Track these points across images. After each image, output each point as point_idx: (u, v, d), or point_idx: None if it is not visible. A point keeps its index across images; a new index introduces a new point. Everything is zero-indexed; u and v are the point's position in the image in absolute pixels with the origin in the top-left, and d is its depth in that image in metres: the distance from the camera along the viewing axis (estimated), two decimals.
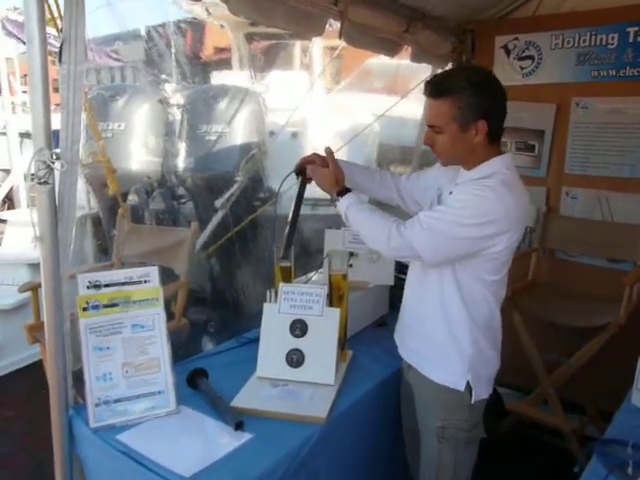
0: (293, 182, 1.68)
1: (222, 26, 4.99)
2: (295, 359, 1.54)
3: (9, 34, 6.41)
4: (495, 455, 1.83)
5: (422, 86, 1.42)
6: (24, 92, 7.32)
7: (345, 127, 4.03)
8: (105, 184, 3.12)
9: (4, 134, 6.56)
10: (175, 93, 4.49)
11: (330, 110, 4.49)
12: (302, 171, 1.66)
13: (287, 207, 1.65)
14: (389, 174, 1.75)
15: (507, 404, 2.45)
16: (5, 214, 5.04)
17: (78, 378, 1.39)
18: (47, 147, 1.24)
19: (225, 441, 1.30)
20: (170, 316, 2.11)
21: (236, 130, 3.79)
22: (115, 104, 3.99)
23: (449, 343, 1.45)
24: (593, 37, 2.51)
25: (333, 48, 4.51)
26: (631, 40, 2.42)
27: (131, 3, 5.64)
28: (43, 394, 1.45)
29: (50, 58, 1.24)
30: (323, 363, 1.54)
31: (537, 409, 2.44)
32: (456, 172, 1.47)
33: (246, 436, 1.32)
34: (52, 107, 1.26)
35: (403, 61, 2.95)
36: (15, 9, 6.64)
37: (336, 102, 4.66)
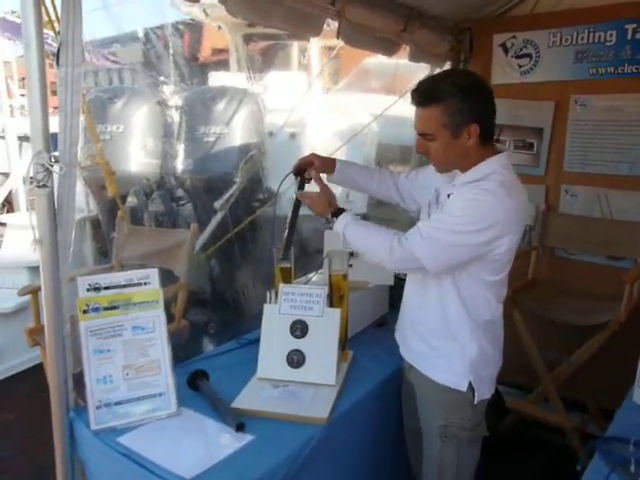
0: (292, 183, 1.68)
1: (220, 27, 4.99)
2: (296, 360, 1.54)
3: (3, 34, 6.43)
4: (497, 453, 1.83)
5: None
6: (22, 95, 7.32)
7: (344, 127, 4.03)
8: (104, 186, 3.12)
9: (2, 137, 6.56)
10: (173, 95, 4.49)
11: (328, 110, 4.49)
12: (301, 172, 1.66)
13: (286, 208, 1.65)
14: (388, 173, 1.75)
15: (508, 402, 2.45)
16: (4, 217, 5.04)
17: (79, 381, 1.39)
18: (45, 150, 1.24)
19: (226, 442, 1.30)
20: (170, 318, 2.11)
21: (235, 131, 3.80)
22: (113, 106, 3.99)
23: (450, 344, 1.44)
24: (591, 34, 2.51)
25: (331, 48, 4.50)
26: (629, 37, 2.41)
27: (128, 5, 5.65)
28: (44, 397, 1.45)
29: (48, 61, 1.24)
30: (324, 363, 1.54)
31: (538, 407, 2.43)
32: (454, 172, 1.46)
33: (247, 437, 1.32)
34: (50, 110, 1.26)
35: (401, 60, 2.94)
36: (12, 12, 6.65)
37: (334, 102, 4.65)
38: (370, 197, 3.39)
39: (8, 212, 6.45)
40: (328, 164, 1.69)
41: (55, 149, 1.27)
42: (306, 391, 1.50)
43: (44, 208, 1.27)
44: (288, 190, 1.75)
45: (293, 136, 4.16)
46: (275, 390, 1.51)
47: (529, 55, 2.70)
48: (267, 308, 1.61)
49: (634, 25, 2.39)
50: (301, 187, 1.65)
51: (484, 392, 1.47)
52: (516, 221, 1.35)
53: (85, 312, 1.37)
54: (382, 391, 1.67)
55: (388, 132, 4.19)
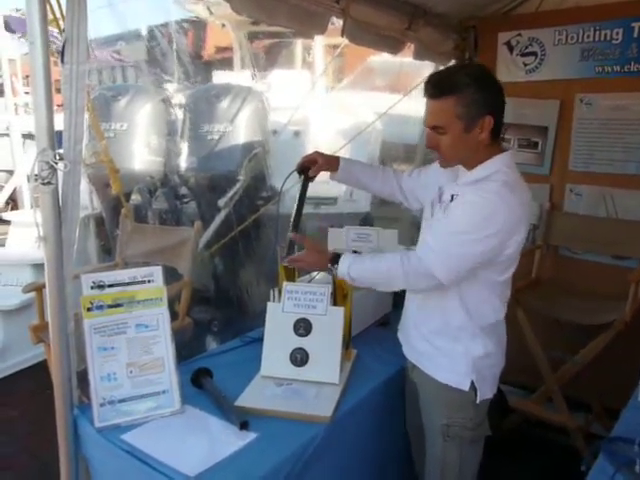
0: (296, 181, 1.67)
1: (224, 25, 5.00)
2: (299, 358, 1.54)
3: (8, 29, 6.45)
4: (500, 453, 1.83)
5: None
6: (26, 93, 7.35)
7: (347, 125, 4.03)
8: (108, 184, 3.12)
9: (7, 135, 6.59)
10: (177, 93, 4.50)
11: (332, 108, 4.49)
12: (304, 170, 1.65)
13: (290, 206, 1.65)
14: (392, 171, 1.74)
15: (512, 402, 2.44)
16: (9, 215, 5.07)
17: (83, 378, 1.39)
18: (50, 148, 1.24)
19: (230, 440, 1.30)
20: (174, 315, 2.11)
21: (239, 129, 3.79)
22: (117, 104, 3.99)
23: (453, 344, 1.44)
24: (597, 32, 2.50)
25: (335, 46, 4.50)
26: (636, 35, 2.40)
27: (133, 3, 5.65)
28: (47, 394, 1.45)
29: (52, 59, 1.24)
30: (327, 362, 1.53)
31: (542, 407, 2.43)
32: (456, 170, 1.45)
33: (251, 435, 1.32)
34: (55, 108, 1.26)
35: (405, 59, 2.94)
36: (17, 10, 6.67)
37: (338, 100, 4.65)
38: (373, 196, 3.38)
39: (12, 209, 6.48)
40: (332, 162, 1.68)
41: (60, 147, 1.27)
42: (310, 389, 1.50)
43: (48, 205, 1.28)
44: (292, 188, 1.74)
45: (297, 134, 4.15)
46: (279, 388, 1.51)
47: (534, 53, 2.69)
48: (271, 306, 1.61)
49: None
50: (305, 185, 1.65)
51: (486, 392, 1.46)
52: (522, 220, 1.35)
53: (89, 310, 1.37)
54: (385, 390, 1.66)
55: (392, 130, 4.19)
